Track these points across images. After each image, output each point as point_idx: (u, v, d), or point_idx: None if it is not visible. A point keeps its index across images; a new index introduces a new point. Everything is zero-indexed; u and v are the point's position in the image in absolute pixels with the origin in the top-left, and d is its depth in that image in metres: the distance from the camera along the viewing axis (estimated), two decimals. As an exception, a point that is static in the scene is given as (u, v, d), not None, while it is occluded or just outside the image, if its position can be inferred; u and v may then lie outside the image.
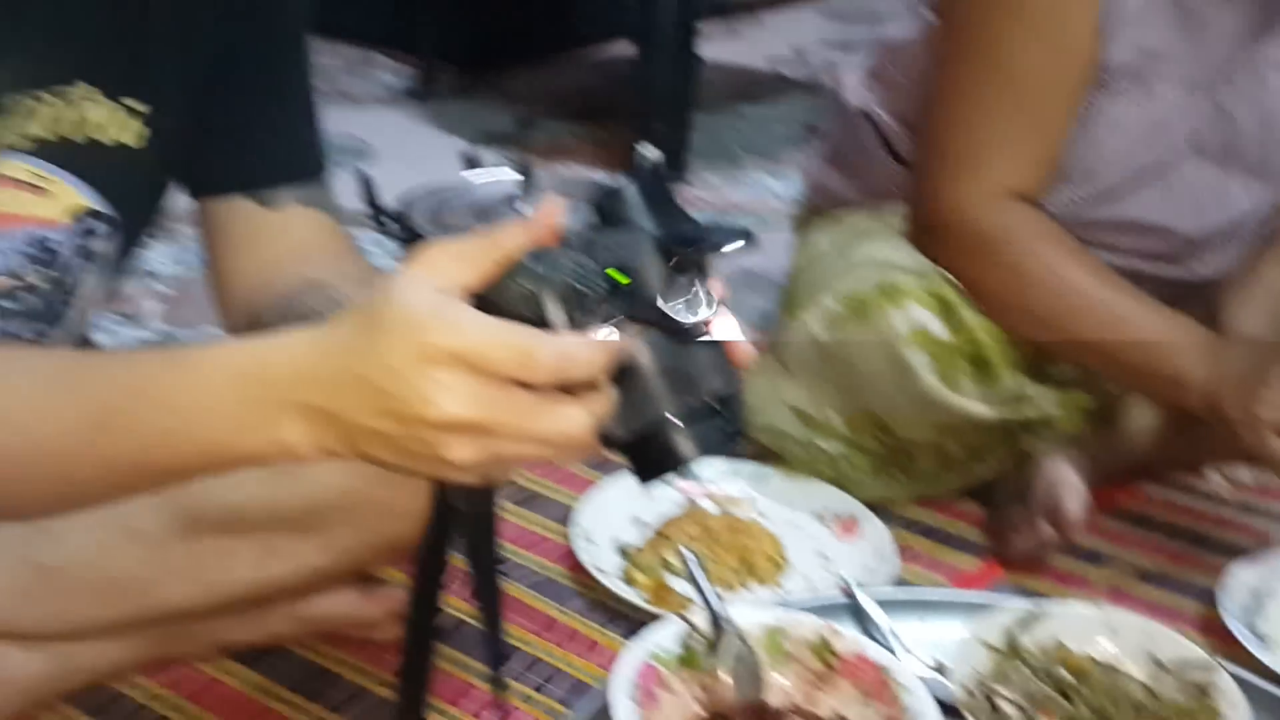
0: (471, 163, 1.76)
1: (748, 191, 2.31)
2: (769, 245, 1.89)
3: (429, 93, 2.73)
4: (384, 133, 2.46)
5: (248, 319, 0.96)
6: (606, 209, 0.64)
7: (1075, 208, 1.23)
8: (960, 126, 1.18)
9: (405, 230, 1.55)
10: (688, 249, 0.61)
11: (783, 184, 2.33)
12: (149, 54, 0.89)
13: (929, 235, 1.22)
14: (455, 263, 0.62)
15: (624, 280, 0.61)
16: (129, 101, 0.89)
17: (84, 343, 1.03)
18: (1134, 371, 1.15)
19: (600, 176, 2.27)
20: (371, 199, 1.53)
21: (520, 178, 1.56)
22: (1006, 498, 1.27)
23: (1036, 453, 1.24)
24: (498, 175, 1.72)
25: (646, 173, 0.65)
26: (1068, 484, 1.21)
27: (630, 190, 0.64)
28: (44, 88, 0.84)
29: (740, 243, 0.62)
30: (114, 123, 0.89)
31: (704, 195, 2.27)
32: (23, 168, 0.86)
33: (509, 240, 0.62)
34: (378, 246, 1.87)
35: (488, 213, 1.59)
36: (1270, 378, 1.04)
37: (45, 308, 0.92)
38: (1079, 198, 1.23)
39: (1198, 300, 1.28)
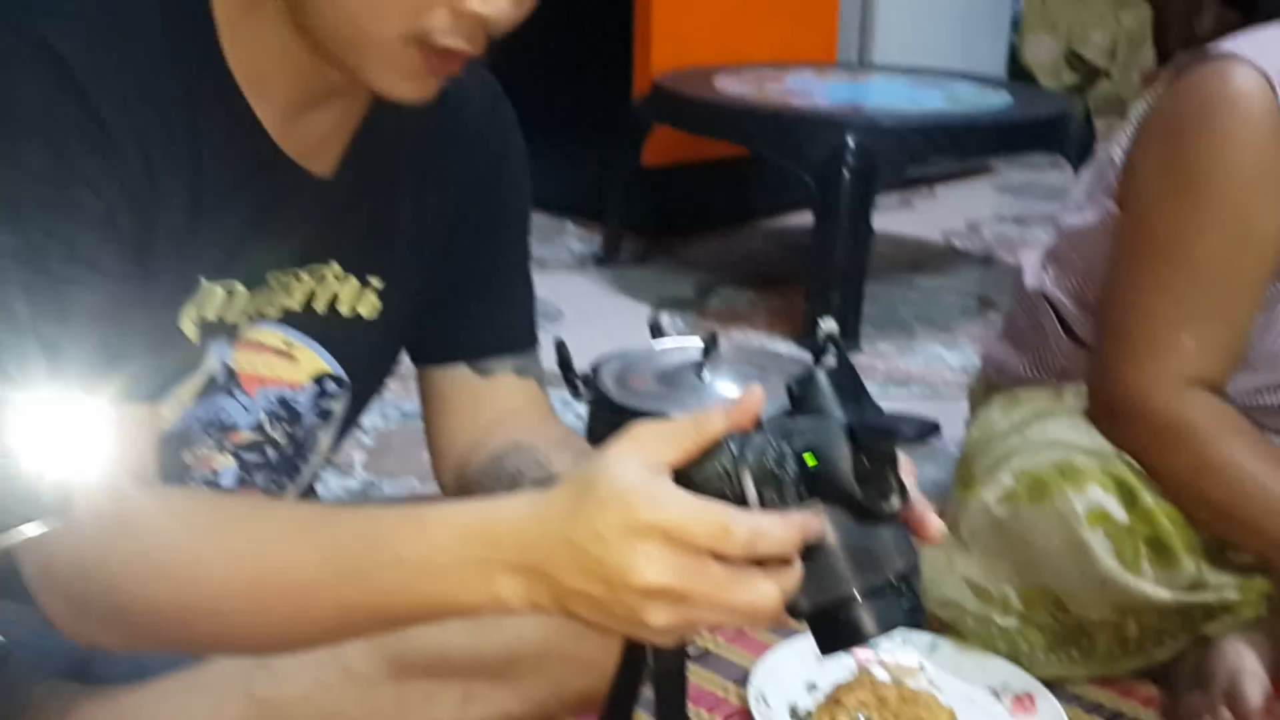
0: (656, 331, 1.86)
1: (920, 361, 2.34)
2: (942, 415, 1.93)
3: (613, 259, 2.87)
4: (571, 296, 2.59)
5: (459, 475, 1.05)
6: (800, 395, 0.70)
7: (1258, 395, 1.24)
8: (1144, 314, 1.21)
9: (594, 393, 1.64)
10: (878, 439, 0.66)
11: (955, 355, 2.36)
12: (393, 236, 0.99)
13: (1111, 419, 1.24)
14: (662, 442, 0.68)
15: (816, 464, 0.66)
16: (371, 278, 1.00)
17: (309, 492, 1.13)
18: None
19: (779, 345, 2.34)
20: (565, 363, 1.63)
21: (703, 346, 1.64)
22: (1186, 682, 1.25)
23: (1216, 637, 1.22)
24: (682, 343, 1.81)
25: (837, 360, 0.70)
26: (1249, 670, 1.19)
27: (822, 378, 0.70)
28: (304, 266, 0.95)
29: (930, 437, 0.66)
30: (355, 296, 1.00)
31: (877, 364, 2.31)
32: (276, 335, 0.97)
33: (712, 424, 0.68)
34: (565, 405, 1.97)
35: (672, 379, 1.67)
36: None
37: (284, 462, 1.02)
38: (1262, 385, 1.24)
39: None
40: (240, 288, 0.90)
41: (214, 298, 0.89)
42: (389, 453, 1.83)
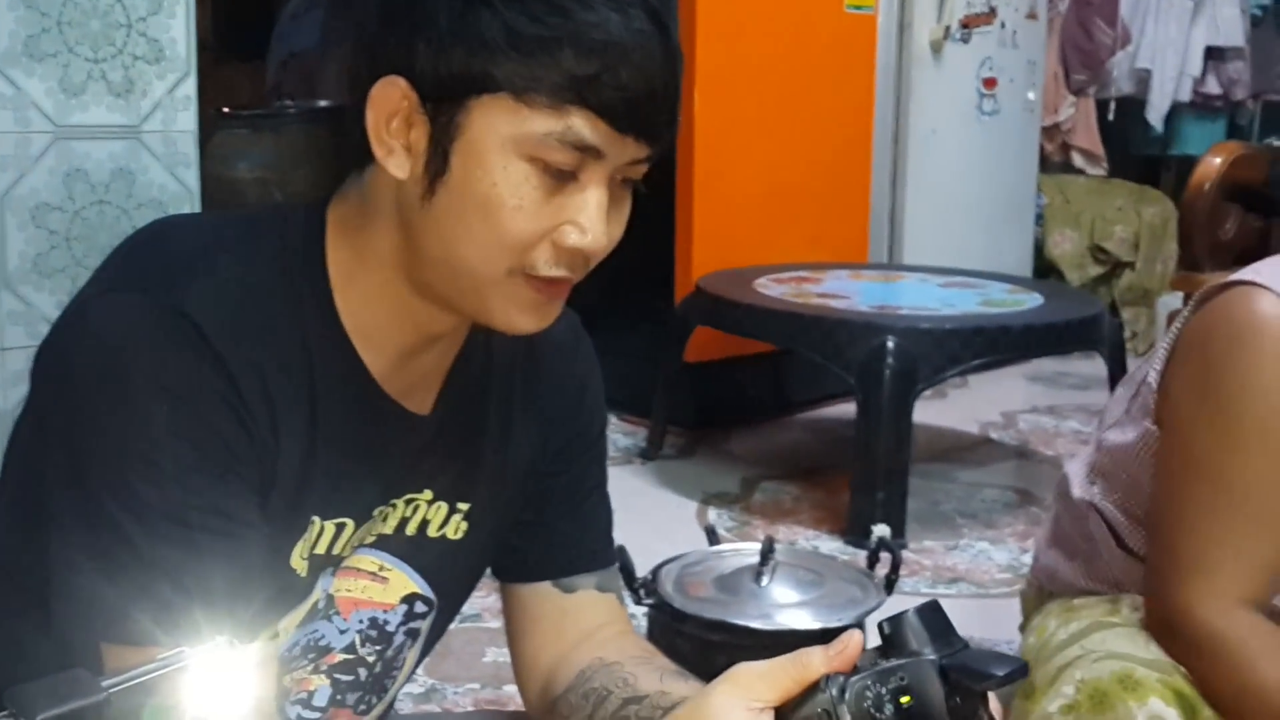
0: (712, 536, 1.90)
1: (966, 558, 2.37)
2: (991, 615, 1.96)
3: (658, 454, 2.93)
4: (619, 493, 2.61)
5: (545, 691, 1.08)
6: (892, 636, 0.74)
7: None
8: (1188, 532, 1.24)
9: (655, 598, 1.68)
10: (970, 679, 0.70)
11: (1001, 552, 2.39)
12: (481, 464, 1.05)
13: (1161, 632, 1.27)
14: (764, 682, 0.72)
15: (911, 703, 0.70)
16: (460, 504, 1.05)
17: (390, 706, 1.16)
18: None
19: (826, 542, 2.37)
20: (627, 569, 1.68)
21: (760, 552, 1.68)
22: None
23: None
24: (738, 548, 1.85)
25: (928, 608, 0.74)
26: None
27: (913, 617, 0.74)
28: (401, 497, 1.00)
29: (1020, 679, 0.70)
30: (443, 520, 1.05)
31: (924, 561, 2.33)
32: (371, 560, 1.02)
33: (812, 664, 0.73)
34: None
35: (729, 585, 1.71)
36: None
37: (373, 681, 1.06)
38: None
39: None
40: (349, 523, 0.95)
41: (325, 534, 0.94)
42: (449, 656, 1.85)
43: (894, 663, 0.72)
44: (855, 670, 0.73)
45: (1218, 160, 2.25)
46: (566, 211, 0.83)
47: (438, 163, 0.83)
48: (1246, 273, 1.26)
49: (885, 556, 1.67)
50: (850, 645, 0.73)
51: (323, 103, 2.45)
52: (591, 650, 1.07)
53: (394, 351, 0.94)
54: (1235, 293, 1.24)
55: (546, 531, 1.11)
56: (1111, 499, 1.42)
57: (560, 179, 0.82)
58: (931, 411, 3.41)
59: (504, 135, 0.81)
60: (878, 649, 0.75)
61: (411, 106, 0.83)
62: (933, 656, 0.71)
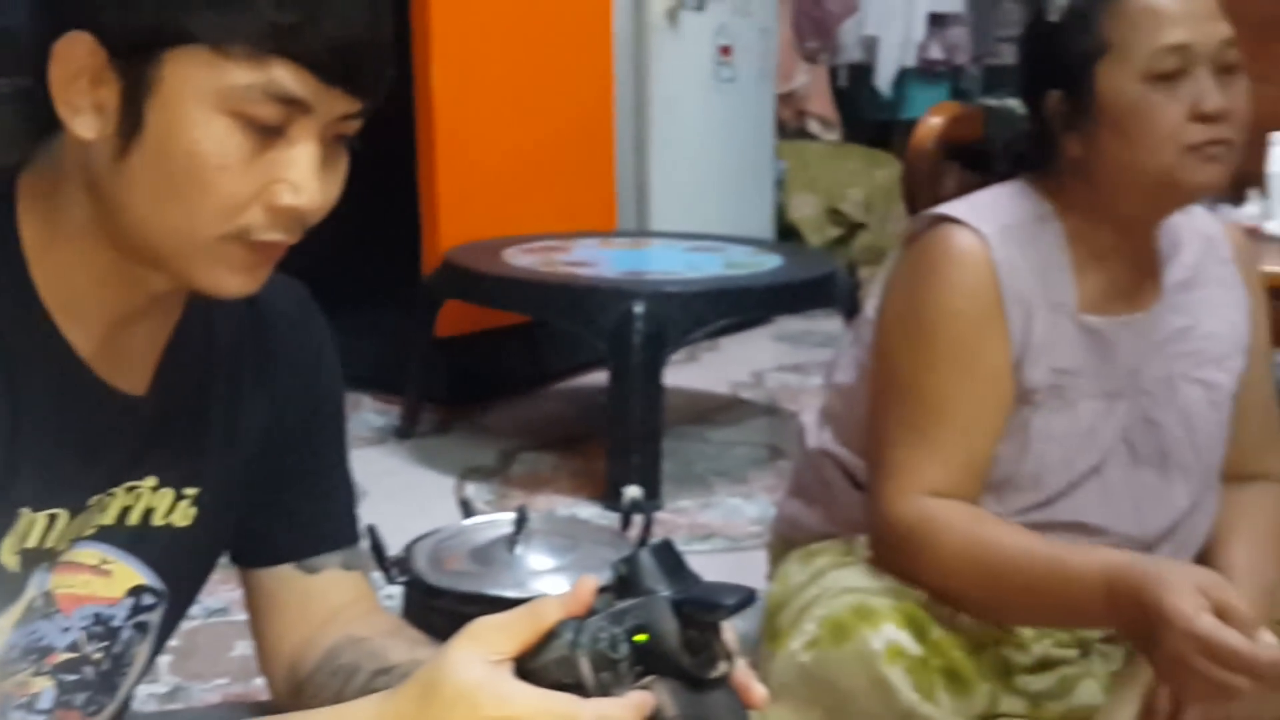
0: (467, 508, 1.89)
1: (719, 515, 2.43)
2: (744, 567, 2.02)
3: (414, 431, 2.89)
4: (374, 473, 2.59)
5: (291, 674, 1.05)
6: (626, 575, 0.76)
7: (1028, 514, 1.35)
8: (893, 447, 1.32)
9: (409, 575, 1.66)
10: (702, 611, 0.72)
11: (752, 506, 2.46)
12: (207, 447, 1.01)
13: (877, 543, 1.34)
14: (501, 634, 0.72)
15: (646, 641, 0.72)
16: (186, 490, 1.01)
17: (124, 708, 1.11)
18: (1073, 605, 1.21)
19: (584, 509, 2.40)
20: (378, 548, 1.65)
21: (514, 521, 1.68)
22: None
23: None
24: (492, 519, 1.84)
25: (660, 547, 0.76)
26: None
27: (646, 557, 0.75)
28: (121, 484, 0.95)
29: (748, 606, 0.72)
30: (169, 507, 1.00)
31: (680, 520, 2.39)
32: (93, 553, 0.96)
33: (547, 613, 0.73)
34: (376, 589, 1.97)
35: (485, 556, 1.70)
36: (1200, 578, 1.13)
37: (102, 679, 1.00)
38: (1030, 504, 1.35)
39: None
40: (63, 514, 0.90)
41: (36, 526, 0.89)
42: (195, 653, 1.78)
43: (628, 603, 0.73)
44: (591, 613, 0.73)
45: (936, 121, 2.35)
46: (277, 169, 0.80)
47: (131, 121, 0.78)
48: (945, 208, 1.35)
49: (639, 518, 1.70)
50: (583, 590, 0.74)
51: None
52: (339, 628, 1.05)
53: (101, 325, 0.89)
54: (937, 229, 1.33)
55: (286, 512, 1.08)
56: (842, 439, 1.49)
57: (267, 135, 0.79)
58: (684, 375, 3.48)
59: (203, 90, 0.77)
60: (614, 591, 0.76)
61: (99, 63, 0.78)
62: (666, 593, 0.73)
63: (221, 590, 1.06)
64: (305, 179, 0.81)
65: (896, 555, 1.31)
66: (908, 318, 1.34)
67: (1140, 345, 1.36)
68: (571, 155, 3.33)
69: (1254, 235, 2.36)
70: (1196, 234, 1.44)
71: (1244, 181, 2.52)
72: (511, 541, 1.60)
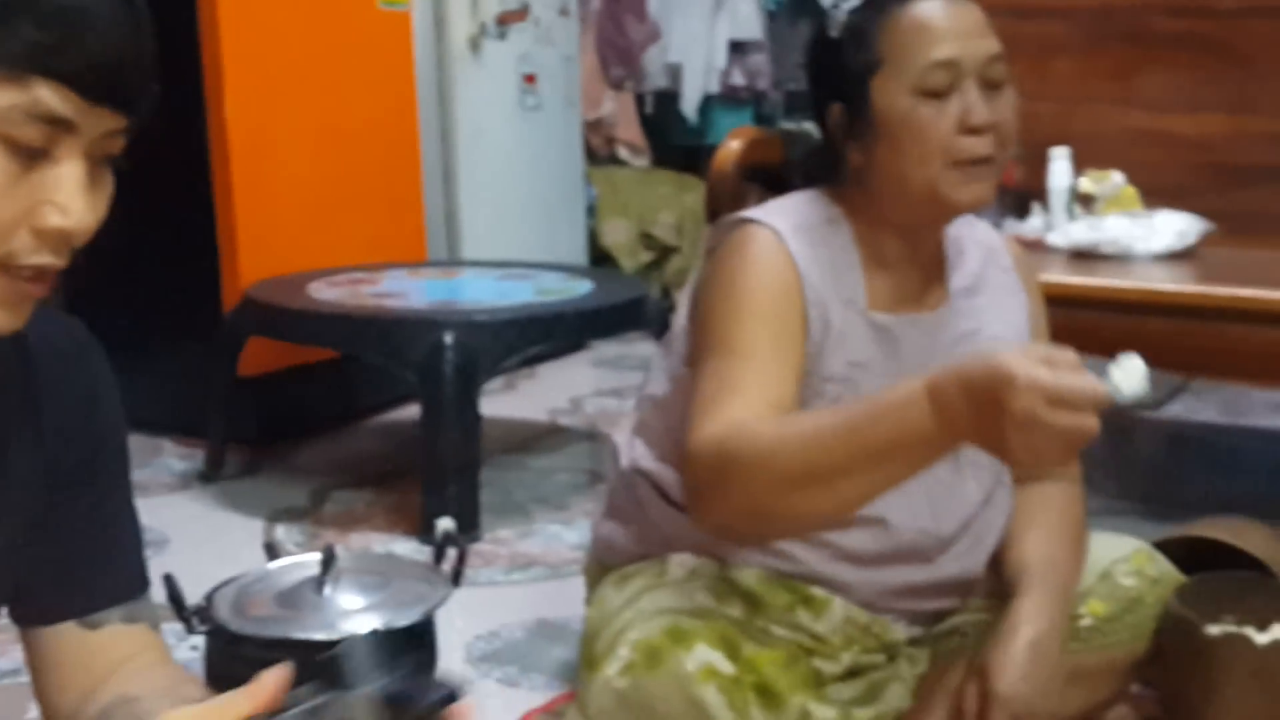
0: (272, 551, 1.82)
1: (539, 542, 2.41)
2: (565, 594, 2.00)
3: (219, 475, 2.79)
4: (177, 520, 2.49)
5: None
6: (327, 667, 0.72)
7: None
8: (704, 394, 1.29)
9: (210, 624, 1.59)
10: (399, 709, 0.70)
11: (573, 533, 2.45)
12: None
13: (689, 492, 1.28)
14: None
15: None
16: None
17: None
18: (904, 431, 1.13)
19: (401, 545, 2.35)
20: (175, 598, 1.57)
21: (321, 560, 1.63)
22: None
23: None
24: (299, 560, 1.78)
25: (368, 636, 0.73)
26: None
27: (352, 648, 0.72)
28: None
29: (449, 704, 0.71)
30: None
31: (499, 550, 2.36)
32: None
33: (236, 706, 0.71)
34: (179, 639, 1.88)
35: (292, 599, 1.64)
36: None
37: None
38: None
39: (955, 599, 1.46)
40: None
41: None
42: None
43: (321, 699, 0.70)
44: (286, 708, 0.71)
45: (736, 144, 2.40)
46: (42, 191, 0.77)
47: None
48: (741, 214, 1.40)
49: (454, 551, 1.67)
50: (268, 683, 0.72)
51: None
52: (116, 686, 1.00)
53: None
54: (736, 230, 1.38)
55: (66, 566, 1.02)
56: (655, 454, 1.49)
57: (31, 157, 0.77)
58: (502, 403, 3.46)
59: None
60: (316, 682, 0.72)
61: None
62: (368, 687, 0.70)
63: (13, 651, 0.99)
64: (72, 200, 0.78)
65: (709, 479, 1.22)
66: (722, 294, 1.35)
67: (928, 345, 1.41)
68: (377, 186, 3.28)
69: (1037, 247, 2.48)
70: (978, 244, 1.50)
71: (1027, 196, 2.64)
72: (319, 582, 1.54)
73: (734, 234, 1.38)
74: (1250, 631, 1.51)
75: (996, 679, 1.34)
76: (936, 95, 1.30)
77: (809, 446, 1.15)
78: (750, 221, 1.37)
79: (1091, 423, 1.02)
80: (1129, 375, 1.08)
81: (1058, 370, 1.02)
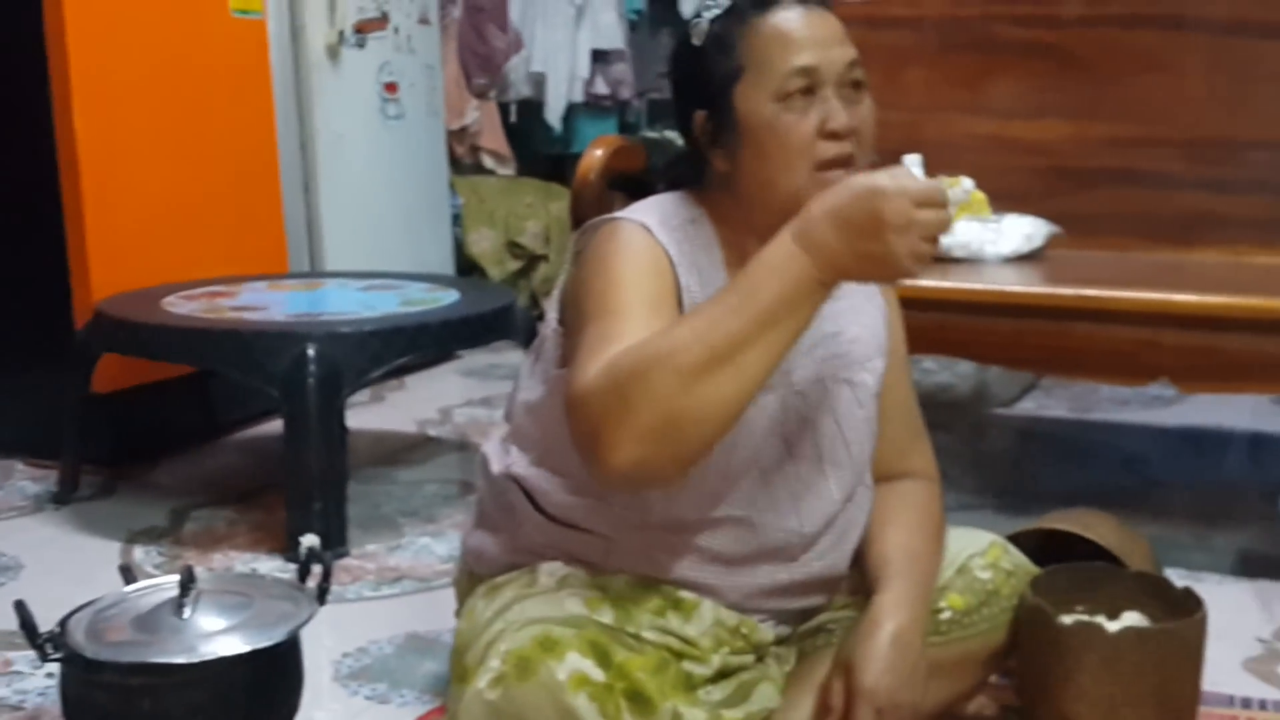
0: (129, 574, 1.78)
1: (408, 556, 2.39)
2: (436, 606, 1.98)
3: (73, 497, 2.69)
4: (30, 545, 2.40)
5: None
6: None
7: (700, 508, 1.39)
8: (579, 353, 1.28)
9: (65, 652, 1.54)
10: None
11: (443, 544, 2.43)
12: None
13: (576, 437, 1.23)
14: None
15: None
16: None
17: None
18: (780, 282, 1.18)
19: (264, 563, 2.29)
20: (28, 626, 1.52)
21: (179, 582, 1.59)
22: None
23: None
24: (157, 583, 1.74)
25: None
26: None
27: None
28: None
29: None
30: None
31: (367, 565, 2.32)
32: None
33: None
34: (34, 667, 1.82)
35: (150, 623, 1.60)
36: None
37: None
38: (690, 493, 1.39)
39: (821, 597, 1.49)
40: None
41: None
42: None
43: None
44: None
45: (599, 153, 2.42)
46: None
47: None
48: (609, 215, 1.41)
49: (319, 567, 1.64)
50: None
51: None
52: None
53: None
54: (605, 227, 1.39)
55: None
56: (528, 459, 1.49)
57: None
58: (370, 416, 3.42)
59: None
60: None
61: None
62: None
63: None
64: None
65: (607, 410, 1.17)
66: (593, 275, 1.35)
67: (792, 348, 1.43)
68: (234, 197, 3.21)
69: (895, 251, 2.53)
70: None
71: (884, 202, 2.70)
72: (178, 605, 1.51)
73: (601, 230, 1.39)
74: (1101, 620, 1.57)
75: (860, 673, 1.37)
76: (797, 101, 1.33)
77: (703, 332, 1.17)
78: (617, 219, 1.39)
79: (949, 216, 1.18)
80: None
81: (909, 178, 1.17)
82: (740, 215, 1.40)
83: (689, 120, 1.42)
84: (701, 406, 1.16)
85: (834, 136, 1.33)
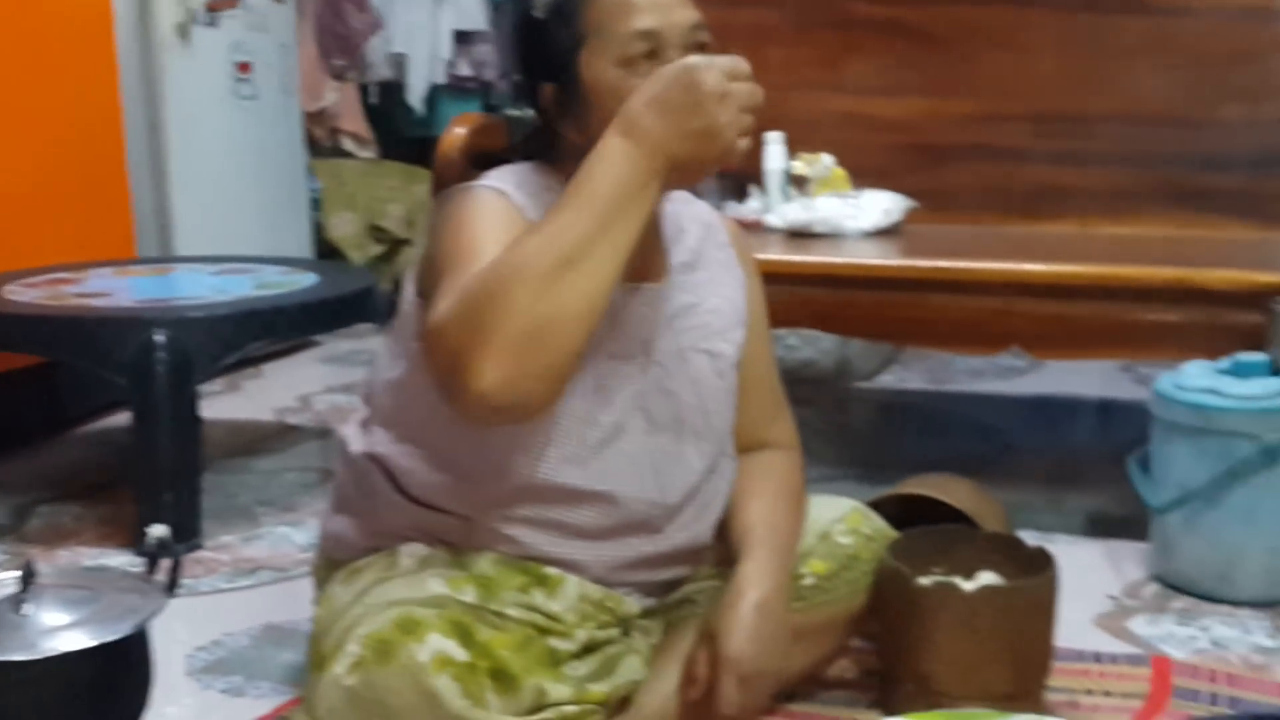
0: (-36, 572, 1.68)
1: (265, 546, 2.32)
2: (296, 596, 1.93)
3: (-93, 497, 2.56)
4: None
5: None
6: None
7: (561, 470, 1.37)
8: (435, 299, 1.26)
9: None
10: None
11: (302, 533, 2.37)
12: None
13: (438, 372, 1.21)
14: None
15: None
16: None
17: None
18: (621, 193, 1.20)
19: (113, 559, 2.21)
20: None
21: (20, 577, 1.52)
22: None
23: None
24: (-5, 580, 1.64)
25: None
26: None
27: None
28: None
29: None
30: None
31: (222, 557, 2.26)
32: None
33: None
34: None
35: (-14, 619, 1.51)
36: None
37: None
38: (563, 457, 1.38)
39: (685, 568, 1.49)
40: None
41: None
42: None
43: None
44: None
45: (460, 131, 2.39)
46: None
47: None
48: (465, 185, 1.40)
49: (168, 561, 1.58)
50: None
51: None
52: None
53: None
54: (460, 194, 1.38)
55: None
56: (390, 437, 1.45)
57: None
58: (226, 405, 3.32)
59: None
60: None
61: None
62: None
63: None
64: None
65: (466, 333, 1.16)
66: (449, 237, 1.32)
67: (650, 316, 1.43)
68: (78, 181, 3.08)
69: (756, 228, 2.56)
70: (697, 221, 1.54)
71: (745, 179, 2.72)
72: (17, 601, 1.44)
73: (456, 197, 1.37)
74: (958, 580, 1.60)
75: (724, 642, 1.37)
76: (642, 66, 1.32)
77: (549, 239, 1.18)
78: (472, 186, 1.38)
79: (759, 89, 1.22)
80: None
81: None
82: None
83: (537, 94, 1.40)
84: (558, 311, 1.16)
85: None
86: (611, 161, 1.20)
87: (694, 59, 1.21)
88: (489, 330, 1.14)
